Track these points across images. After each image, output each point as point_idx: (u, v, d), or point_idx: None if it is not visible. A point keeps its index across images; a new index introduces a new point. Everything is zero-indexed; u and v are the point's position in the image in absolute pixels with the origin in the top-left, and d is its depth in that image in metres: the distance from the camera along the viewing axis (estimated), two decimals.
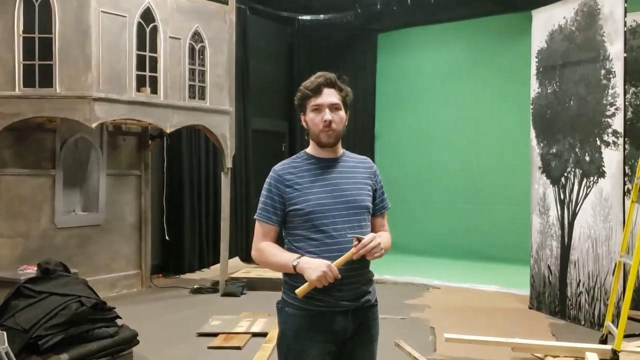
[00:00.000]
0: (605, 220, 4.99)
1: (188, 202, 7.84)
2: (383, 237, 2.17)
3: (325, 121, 2.10)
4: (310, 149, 2.21)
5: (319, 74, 2.16)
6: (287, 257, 2.08)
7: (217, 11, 6.42)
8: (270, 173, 2.19)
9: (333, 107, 2.12)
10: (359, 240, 2.01)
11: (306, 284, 2.00)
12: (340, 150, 2.23)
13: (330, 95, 2.12)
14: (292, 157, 2.24)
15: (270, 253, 2.14)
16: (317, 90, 2.12)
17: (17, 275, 4.99)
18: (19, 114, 5.31)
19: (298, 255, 2.06)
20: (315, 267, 1.97)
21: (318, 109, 2.12)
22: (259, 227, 2.18)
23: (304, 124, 2.20)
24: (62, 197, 6.03)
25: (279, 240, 2.18)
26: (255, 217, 2.20)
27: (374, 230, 2.24)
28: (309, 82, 2.15)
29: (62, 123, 5.87)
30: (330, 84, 2.13)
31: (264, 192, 2.18)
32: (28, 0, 5.30)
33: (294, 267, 2.03)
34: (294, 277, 2.07)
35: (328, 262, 1.98)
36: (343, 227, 2.09)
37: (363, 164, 2.27)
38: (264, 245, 2.16)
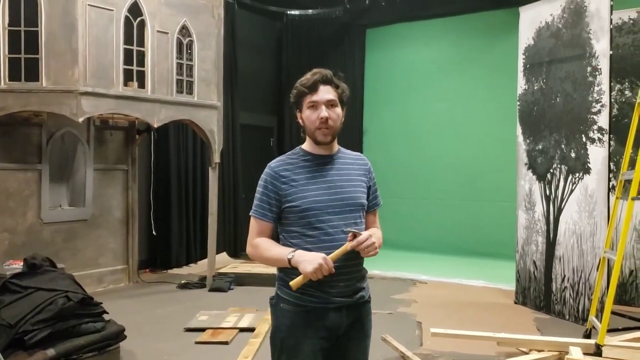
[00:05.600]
0: (590, 216, 5.04)
1: (175, 197, 7.81)
2: (377, 235, 2.16)
3: (321, 118, 2.09)
4: (306, 146, 2.20)
5: (314, 70, 2.15)
6: (282, 251, 2.07)
7: (205, 5, 6.39)
8: (266, 169, 2.17)
9: (329, 104, 2.11)
10: (355, 235, 2.01)
11: (300, 277, 1.99)
12: (336, 146, 2.23)
13: (326, 92, 2.11)
14: (288, 153, 2.22)
15: (265, 248, 2.13)
16: (313, 87, 2.10)
17: (3, 270, 4.94)
18: (5, 108, 5.26)
19: (293, 248, 2.06)
20: (311, 260, 1.97)
21: (314, 105, 2.11)
22: (254, 224, 2.17)
23: (300, 121, 2.18)
24: (48, 192, 5.99)
25: (274, 237, 2.18)
26: (250, 213, 2.19)
27: (365, 227, 2.24)
28: (305, 79, 2.13)
29: (49, 117, 5.83)
30: (326, 81, 2.12)
31: (259, 188, 2.17)
32: None
33: (289, 260, 2.02)
34: (288, 272, 2.06)
35: (323, 254, 1.98)
36: (339, 224, 2.09)
37: (358, 161, 2.27)
38: (258, 241, 2.15)
